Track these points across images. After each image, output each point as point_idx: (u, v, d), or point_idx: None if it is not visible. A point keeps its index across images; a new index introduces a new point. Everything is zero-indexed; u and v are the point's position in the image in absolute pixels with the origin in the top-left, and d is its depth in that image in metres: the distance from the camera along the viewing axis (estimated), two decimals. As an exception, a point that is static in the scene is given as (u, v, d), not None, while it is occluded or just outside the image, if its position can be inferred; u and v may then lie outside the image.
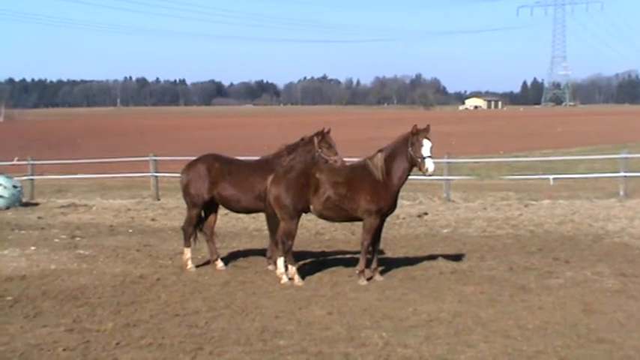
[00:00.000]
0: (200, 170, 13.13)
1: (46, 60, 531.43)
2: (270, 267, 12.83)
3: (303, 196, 11.78)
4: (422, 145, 11.64)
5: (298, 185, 11.78)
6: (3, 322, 9.82)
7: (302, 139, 13.09)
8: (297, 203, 11.80)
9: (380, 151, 11.96)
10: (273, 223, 12.42)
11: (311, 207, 11.91)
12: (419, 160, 11.63)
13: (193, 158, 13.84)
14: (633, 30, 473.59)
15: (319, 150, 12.82)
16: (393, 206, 12.12)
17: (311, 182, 11.79)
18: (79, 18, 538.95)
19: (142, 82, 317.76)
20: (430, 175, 11.91)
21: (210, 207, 13.40)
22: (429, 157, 11.64)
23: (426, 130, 11.81)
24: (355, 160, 13.40)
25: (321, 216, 12.18)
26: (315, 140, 12.88)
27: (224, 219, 17.99)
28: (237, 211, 13.88)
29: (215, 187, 13.00)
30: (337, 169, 12.31)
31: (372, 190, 11.75)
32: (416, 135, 11.72)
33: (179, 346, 8.70)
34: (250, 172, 13.02)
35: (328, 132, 12.96)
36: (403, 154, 11.77)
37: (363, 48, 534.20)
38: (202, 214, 13.43)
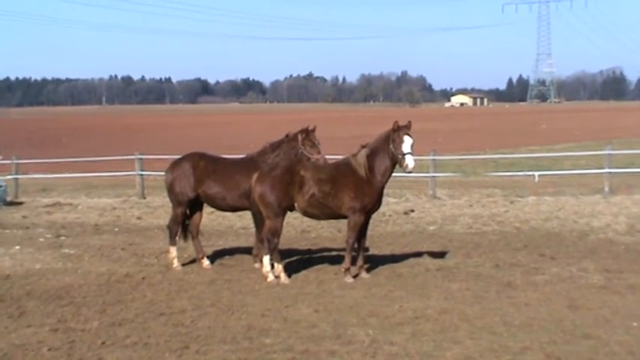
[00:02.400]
0: (185, 168, 13.08)
1: (31, 58, 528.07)
2: (257, 265, 12.80)
3: (288, 194, 11.75)
4: (402, 142, 11.57)
5: (283, 183, 11.75)
6: (-13, 322, 9.74)
7: (286, 136, 13.06)
8: (282, 201, 11.77)
9: (363, 146, 11.92)
10: (259, 221, 12.40)
11: (295, 204, 11.88)
12: (399, 156, 11.57)
13: (178, 156, 13.80)
14: (617, 27, 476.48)
15: (302, 147, 12.78)
16: (377, 203, 12.10)
17: (295, 180, 11.75)
18: (64, 16, 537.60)
19: (128, 80, 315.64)
20: (410, 172, 11.80)
21: (196, 205, 13.36)
22: (410, 153, 11.55)
23: (407, 126, 11.75)
24: (339, 158, 13.36)
25: (305, 213, 12.15)
26: (299, 137, 12.85)
27: (210, 217, 17.95)
28: (223, 209, 13.86)
29: (200, 185, 12.96)
30: (321, 166, 12.27)
31: (356, 188, 11.72)
32: (397, 131, 11.65)
33: (165, 345, 8.67)
34: (235, 170, 12.98)
35: (313, 130, 12.92)
36: (385, 150, 11.72)
37: (348, 45, 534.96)
38: (188, 212, 13.39)
